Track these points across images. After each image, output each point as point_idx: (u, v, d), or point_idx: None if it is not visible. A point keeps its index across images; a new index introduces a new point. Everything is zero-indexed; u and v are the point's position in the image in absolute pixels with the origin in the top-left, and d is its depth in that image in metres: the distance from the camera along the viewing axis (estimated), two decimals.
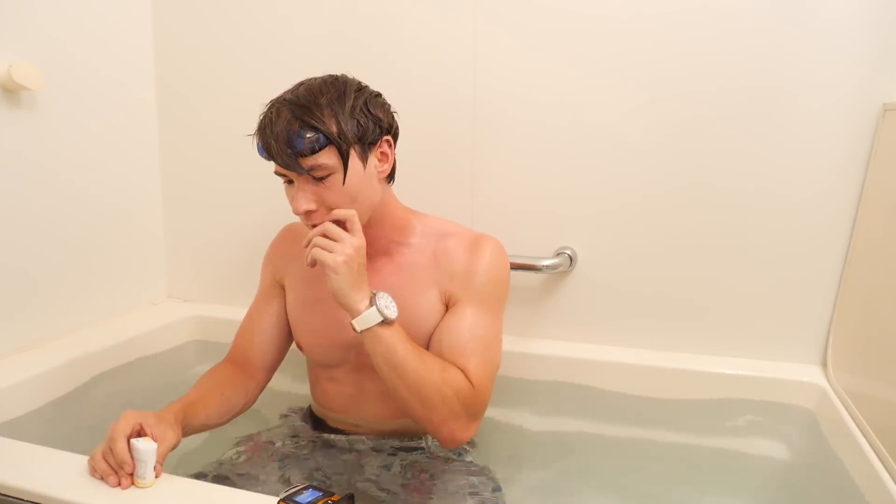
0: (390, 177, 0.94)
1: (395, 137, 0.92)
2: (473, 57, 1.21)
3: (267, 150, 0.83)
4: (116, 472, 0.71)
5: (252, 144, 0.89)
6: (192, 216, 1.47)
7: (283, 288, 1.04)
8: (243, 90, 1.36)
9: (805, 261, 1.13)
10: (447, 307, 0.94)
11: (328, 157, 0.82)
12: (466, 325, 0.91)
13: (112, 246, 1.34)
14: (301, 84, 0.88)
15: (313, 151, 0.81)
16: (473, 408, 0.87)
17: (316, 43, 1.30)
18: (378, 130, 0.87)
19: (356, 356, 0.97)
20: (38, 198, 1.15)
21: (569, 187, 1.21)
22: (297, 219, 1.04)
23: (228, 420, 0.96)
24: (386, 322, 0.82)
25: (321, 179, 0.83)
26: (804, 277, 1.13)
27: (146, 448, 0.71)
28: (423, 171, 1.26)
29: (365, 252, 0.83)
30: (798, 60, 1.07)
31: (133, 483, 0.71)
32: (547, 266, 1.20)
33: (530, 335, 1.28)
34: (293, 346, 1.05)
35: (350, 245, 0.81)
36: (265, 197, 1.38)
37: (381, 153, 0.89)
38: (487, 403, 0.90)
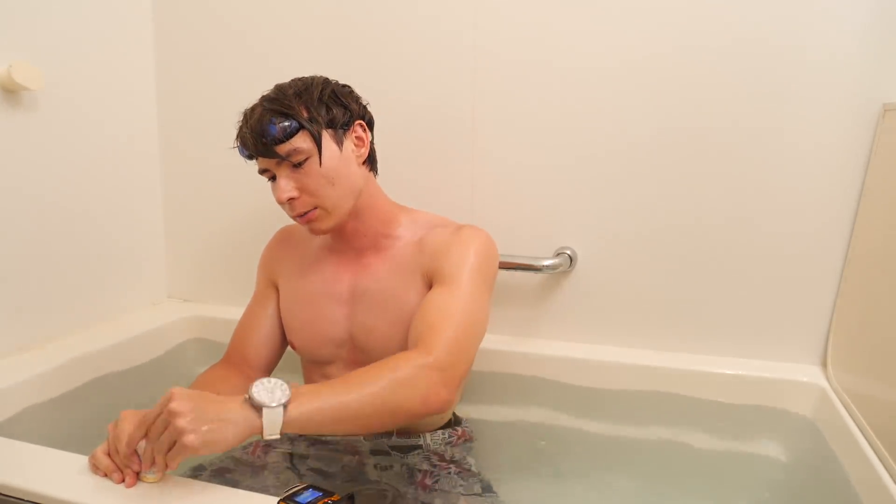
0: (371, 164, 0.97)
1: (371, 125, 0.96)
2: (473, 55, 1.21)
3: (244, 145, 0.88)
4: (122, 470, 0.71)
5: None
6: (192, 216, 1.47)
7: (277, 289, 1.05)
8: (244, 90, 1.34)
9: (805, 261, 1.13)
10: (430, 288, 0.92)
11: (302, 142, 0.86)
12: (439, 302, 0.86)
13: (112, 246, 1.34)
14: (273, 88, 0.92)
15: (287, 136, 0.85)
16: (439, 371, 0.78)
17: (316, 42, 1.30)
18: (348, 114, 0.91)
19: (348, 352, 0.98)
20: (37, 198, 1.15)
21: (569, 187, 1.21)
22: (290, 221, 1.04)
23: None
24: (288, 404, 0.68)
25: (299, 165, 0.87)
26: (804, 277, 1.13)
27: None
28: (423, 170, 1.26)
29: (184, 392, 0.68)
30: (798, 60, 1.07)
31: (139, 479, 0.71)
32: (547, 266, 1.20)
33: (530, 335, 1.28)
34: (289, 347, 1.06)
35: (174, 415, 0.65)
36: (265, 197, 1.37)
37: (357, 137, 0.93)
38: (462, 365, 0.82)
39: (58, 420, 1.06)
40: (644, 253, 1.20)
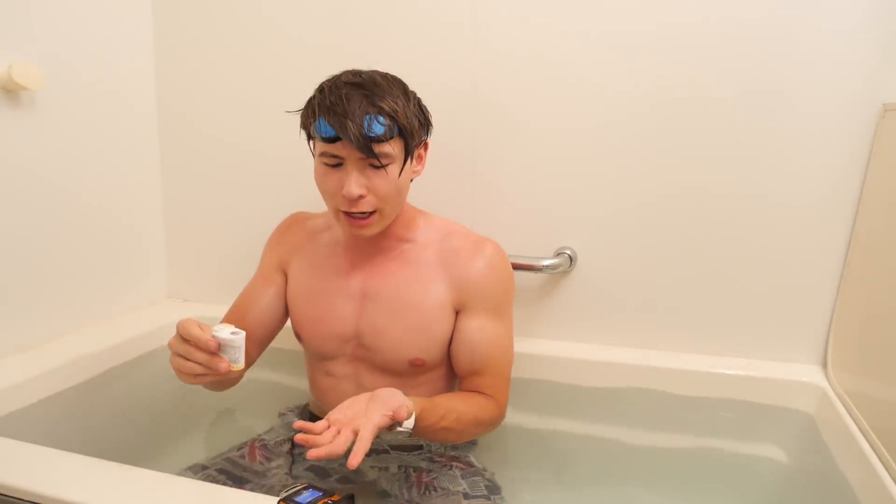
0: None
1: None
2: (474, 57, 1.21)
3: (340, 130, 0.81)
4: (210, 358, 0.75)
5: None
6: (192, 216, 1.47)
7: (285, 274, 1.05)
8: (244, 90, 1.36)
9: (805, 261, 1.13)
10: (456, 311, 0.96)
11: (394, 147, 0.85)
12: (490, 342, 0.97)
13: (112, 246, 1.34)
14: (355, 73, 0.88)
15: (388, 138, 0.83)
16: (502, 418, 1.00)
17: (315, 42, 1.29)
18: (425, 132, 0.93)
19: (353, 349, 0.98)
20: (37, 197, 1.15)
21: (569, 188, 1.21)
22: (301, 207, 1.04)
23: (227, 387, 0.98)
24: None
25: (380, 168, 0.85)
26: (804, 277, 1.13)
27: (237, 335, 0.75)
28: (424, 171, 1.26)
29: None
30: (798, 61, 1.07)
31: (229, 369, 0.74)
32: (547, 266, 1.20)
33: (530, 335, 1.28)
34: (292, 339, 1.05)
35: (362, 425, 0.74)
36: (266, 196, 1.38)
37: (418, 155, 0.94)
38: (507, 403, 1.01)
39: (58, 420, 1.06)
40: (644, 253, 1.20)
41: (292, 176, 1.29)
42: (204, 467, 0.93)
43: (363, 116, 0.81)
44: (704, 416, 1.14)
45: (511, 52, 1.19)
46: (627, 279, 1.22)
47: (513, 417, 1.20)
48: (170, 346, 0.78)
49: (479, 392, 0.97)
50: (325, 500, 0.67)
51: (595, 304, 1.25)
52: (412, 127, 0.86)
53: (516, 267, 1.18)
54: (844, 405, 1.01)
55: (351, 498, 0.69)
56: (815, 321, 1.14)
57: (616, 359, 1.20)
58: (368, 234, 0.91)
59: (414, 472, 0.94)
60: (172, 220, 1.48)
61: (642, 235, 1.19)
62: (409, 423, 0.78)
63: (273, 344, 1.06)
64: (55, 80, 1.15)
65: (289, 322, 1.06)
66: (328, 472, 0.97)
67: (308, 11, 1.29)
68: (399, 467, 0.96)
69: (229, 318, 1.03)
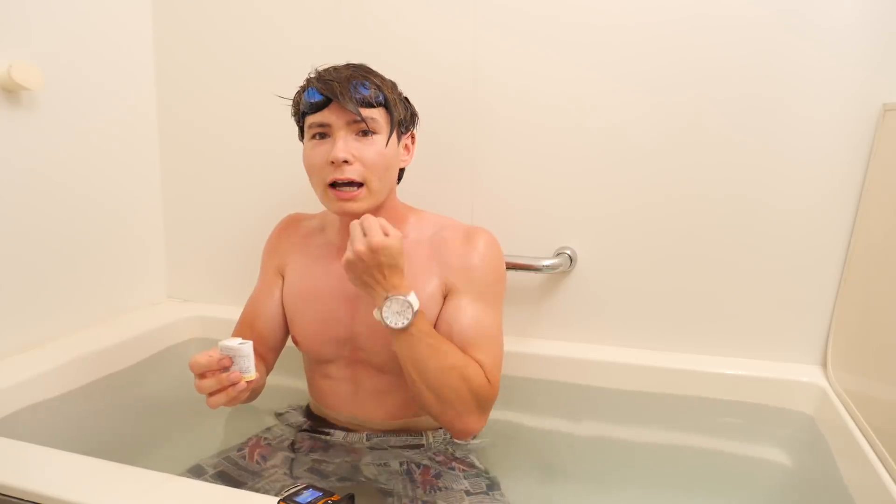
0: (401, 173, 1.00)
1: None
2: (473, 58, 1.21)
3: (328, 90, 0.87)
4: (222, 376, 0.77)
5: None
6: (192, 216, 1.47)
7: (283, 277, 1.05)
8: (244, 90, 1.36)
9: (805, 261, 1.13)
10: (444, 297, 0.94)
11: (381, 116, 0.91)
12: (472, 320, 0.91)
13: (112, 246, 1.34)
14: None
15: (374, 104, 0.89)
16: (486, 402, 0.89)
17: (315, 42, 1.30)
18: (412, 121, 0.99)
19: (350, 351, 0.97)
20: (38, 198, 1.15)
21: (569, 188, 1.21)
22: (299, 208, 1.03)
23: (253, 397, 0.98)
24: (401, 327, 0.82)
25: (365, 135, 0.89)
26: (804, 277, 1.13)
27: (243, 345, 0.78)
28: (424, 171, 1.25)
29: (384, 252, 0.81)
30: (798, 61, 1.07)
31: (241, 378, 0.77)
32: (547, 266, 1.20)
33: (530, 335, 1.28)
34: (289, 342, 1.05)
35: (360, 243, 0.81)
36: (265, 197, 1.38)
37: (406, 146, 0.98)
38: (496, 396, 0.92)
39: (57, 420, 1.06)
40: (644, 253, 1.20)
41: (292, 177, 1.28)
42: (204, 468, 0.93)
43: (350, 81, 0.88)
44: (704, 416, 1.14)
45: (511, 53, 1.19)
46: (627, 279, 1.22)
47: (513, 417, 1.21)
48: (196, 388, 0.79)
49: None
50: (325, 500, 0.67)
51: (595, 304, 1.25)
52: (396, 102, 0.92)
53: (517, 267, 1.19)
54: (844, 405, 1.01)
55: (351, 498, 0.69)
56: (814, 321, 1.14)
57: (616, 359, 1.20)
58: (357, 210, 0.90)
59: (418, 469, 0.94)
60: (172, 221, 1.48)
61: (642, 235, 1.19)
62: (413, 301, 0.82)
63: None
64: (55, 80, 1.15)
65: None
66: (328, 473, 0.96)
67: (308, 11, 1.29)
68: (400, 464, 0.96)
69: (238, 329, 1.03)
